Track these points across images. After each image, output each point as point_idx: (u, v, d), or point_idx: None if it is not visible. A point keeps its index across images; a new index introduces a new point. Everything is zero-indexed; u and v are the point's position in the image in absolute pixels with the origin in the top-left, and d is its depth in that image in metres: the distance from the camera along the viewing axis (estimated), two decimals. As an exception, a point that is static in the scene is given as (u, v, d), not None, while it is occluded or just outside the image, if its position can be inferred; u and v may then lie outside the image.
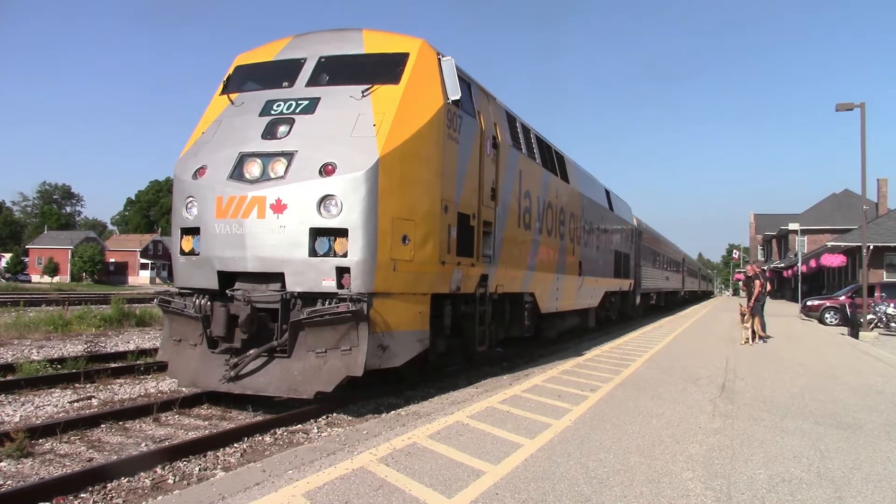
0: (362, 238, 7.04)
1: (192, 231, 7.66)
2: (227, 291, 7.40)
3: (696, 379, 9.21)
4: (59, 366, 10.39)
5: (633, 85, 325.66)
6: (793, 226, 44.68)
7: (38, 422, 6.90)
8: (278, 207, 7.06)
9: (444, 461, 4.87)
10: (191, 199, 7.64)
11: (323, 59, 8.35)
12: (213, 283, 7.49)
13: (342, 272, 7.05)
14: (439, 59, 8.43)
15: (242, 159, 7.41)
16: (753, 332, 14.90)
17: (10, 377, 9.24)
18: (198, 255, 7.60)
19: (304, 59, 8.41)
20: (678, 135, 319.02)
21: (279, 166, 7.22)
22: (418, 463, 4.81)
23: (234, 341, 7.27)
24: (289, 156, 7.25)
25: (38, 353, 12.19)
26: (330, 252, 7.08)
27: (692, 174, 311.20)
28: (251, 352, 7.17)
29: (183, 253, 7.78)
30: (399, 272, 7.46)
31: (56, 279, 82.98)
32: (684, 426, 6.24)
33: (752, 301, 15.05)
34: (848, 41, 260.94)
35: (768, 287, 18.24)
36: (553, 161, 13.66)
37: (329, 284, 7.05)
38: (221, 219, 7.28)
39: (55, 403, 7.91)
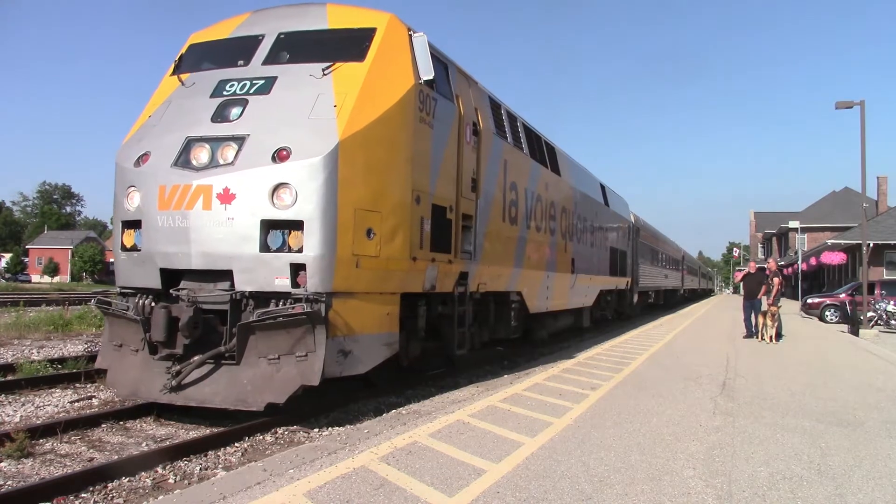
0: (320, 231, 6.42)
1: (134, 224, 7.05)
2: (171, 291, 6.79)
3: (697, 377, 9.21)
4: (59, 366, 10.37)
5: (634, 85, 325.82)
6: (793, 224, 44.72)
7: (38, 422, 6.88)
8: (226, 197, 6.45)
9: (446, 460, 4.87)
10: (132, 188, 7.00)
11: (282, 36, 7.72)
12: (155, 282, 6.87)
13: (297, 269, 6.44)
14: (410, 36, 7.74)
15: (189, 144, 6.78)
16: (773, 331, 14.89)
17: (10, 377, 9.22)
18: (139, 250, 6.99)
19: (262, 36, 7.78)
20: (678, 134, 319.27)
21: (229, 152, 6.60)
22: (419, 462, 4.81)
23: (176, 347, 6.63)
24: (239, 140, 6.63)
25: (38, 353, 12.17)
26: (284, 247, 6.48)
27: (692, 172, 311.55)
28: (195, 358, 6.55)
29: (124, 248, 7.17)
30: (363, 269, 6.84)
31: (56, 279, 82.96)
32: (685, 424, 6.24)
33: (772, 298, 15.12)
34: (848, 40, 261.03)
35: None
36: (543, 152, 12.96)
37: (283, 283, 6.45)
38: (164, 210, 6.65)
39: (56, 403, 7.90)
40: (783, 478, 4.68)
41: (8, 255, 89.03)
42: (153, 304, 6.83)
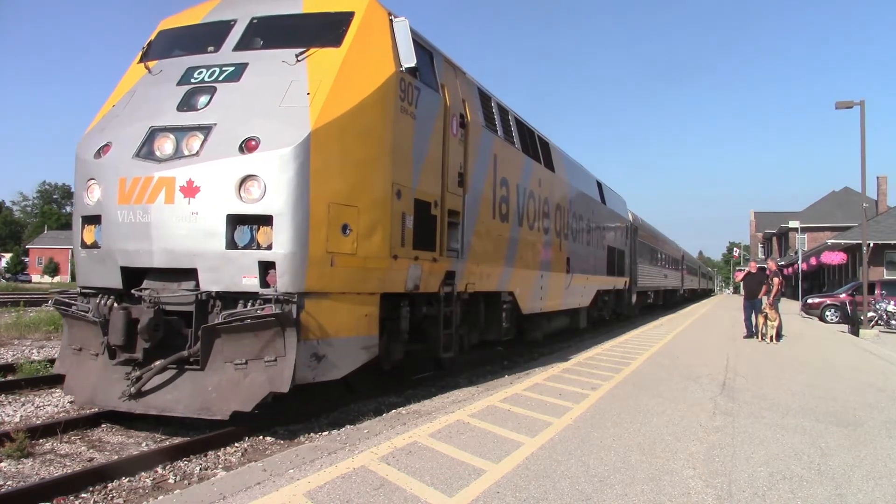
0: (290, 227, 6.02)
1: (94, 220, 6.66)
2: (132, 291, 6.38)
3: (697, 377, 9.21)
4: (59, 366, 10.37)
5: (634, 84, 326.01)
6: (793, 224, 44.75)
7: (38, 422, 6.88)
8: (189, 190, 6.06)
9: (446, 460, 4.87)
10: (92, 181, 6.62)
11: (255, 21, 7.34)
12: (116, 282, 6.48)
13: (266, 268, 6.04)
14: (391, 20, 7.37)
15: (153, 134, 6.40)
16: (775, 331, 14.88)
17: (10, 377, 9.23)
18: (99, 247, 6.61)
19: (234, 21, 7.41)
20: (679, 133, 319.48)
21: (195, 142, 6.22)
22: (419, 462, 4.82)
23: (136, 351, 6.22)
24: (206, 130, 6.25)
25: (38, 353, 12.17)
26: (252, 244, 6.09)
27: (693, 172, 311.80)
28: (156, 363, 6.15)
29: (84, 245, 6.78)
30: (338, 268, 6.43)
31: (56, 279, 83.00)
32: (685, 424, 6.24)
33: (772, 298, 15.09)
34: (848, 39, 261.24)
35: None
36: (536, 147, 12.49)
37: (251, 283, 6.05)
38: (124, 204, 6.26)
39: (56, 403, 7.90)
40: (783, 478, 4.68)
41: (8, 255, 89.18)
42: (114, 304, 6.48)
